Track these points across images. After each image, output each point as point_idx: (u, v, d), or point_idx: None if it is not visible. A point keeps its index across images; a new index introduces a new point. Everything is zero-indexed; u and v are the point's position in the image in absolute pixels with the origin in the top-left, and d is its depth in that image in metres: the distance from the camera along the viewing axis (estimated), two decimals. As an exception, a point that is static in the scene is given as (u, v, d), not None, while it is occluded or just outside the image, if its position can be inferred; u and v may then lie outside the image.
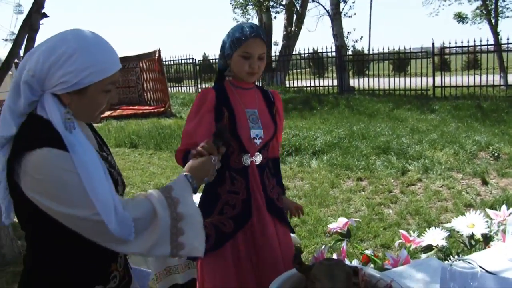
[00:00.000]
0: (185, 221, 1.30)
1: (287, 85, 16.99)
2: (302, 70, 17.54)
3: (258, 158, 2.08)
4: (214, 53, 21.16)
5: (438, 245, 2.12)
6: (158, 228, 1.24)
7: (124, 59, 16.36)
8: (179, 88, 20.20)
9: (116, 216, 1.20)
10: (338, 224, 2.52)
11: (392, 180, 5.75)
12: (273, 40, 19.48)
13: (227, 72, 2.10)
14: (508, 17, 20.56)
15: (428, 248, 2.14)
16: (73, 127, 1.23)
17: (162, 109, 13.43)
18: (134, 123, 11.53)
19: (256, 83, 2.21)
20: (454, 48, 12.86)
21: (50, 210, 1.20)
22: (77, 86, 1.23)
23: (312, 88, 15.87)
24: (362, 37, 18.97)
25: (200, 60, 20.64)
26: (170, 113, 13.31)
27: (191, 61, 19.63)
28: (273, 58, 17.92)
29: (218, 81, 2.16)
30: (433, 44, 13.31)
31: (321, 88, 15.60)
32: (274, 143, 2.25)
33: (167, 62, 20.25)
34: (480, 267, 1.57)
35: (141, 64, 15.70)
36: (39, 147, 1.18)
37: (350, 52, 17.83)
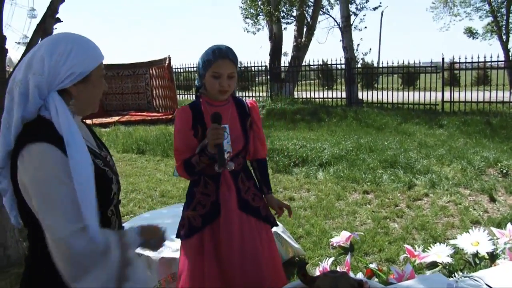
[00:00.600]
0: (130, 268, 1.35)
1: (296, 96, 17.02)
2: (311, 81, 17.59)
3: (231, 166, 2.32)
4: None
5: (443, 262, 2.11)
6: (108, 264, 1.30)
7: (134, 66, 16.53)
8: (188, 95, 20.29)
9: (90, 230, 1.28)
10: (341, 238, 2.51)
11: (399, 194, 5.72)
12: (283, 50, 19.57)
13: (201, 90, 2.35)
14: (519, 34, 20.52)
15: (433, 264, 2.13)
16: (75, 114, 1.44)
17: (170, 116, 13.49)
18: (142, 129, 11.58)
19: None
20: (464, 64, 12.84)
21: (33, 204, 1.28)
22: (82, 75, 1.40)
23: (320, 99, 15.87)
24: (370, 49, 18.94)
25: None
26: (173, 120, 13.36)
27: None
28: (283, 68, 17.98)
29: (196, 97, 2.41)
30: (442, 59, 13.31)
31: (329, 100, 15.61)
32: (258, 147, 2.50)
33: (176, 70, 20.39)
34: (487, 285, 1.56)
35: (151, 71, 15.83)
36: (40, 141, 1.28)
37: (359, 65, 17.86)
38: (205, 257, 2.33)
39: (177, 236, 2.45)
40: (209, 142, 2.15)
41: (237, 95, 2.63)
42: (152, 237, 1.56)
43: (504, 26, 16.13)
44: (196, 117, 2.29)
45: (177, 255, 3.37)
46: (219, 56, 2.22)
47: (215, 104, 2.32)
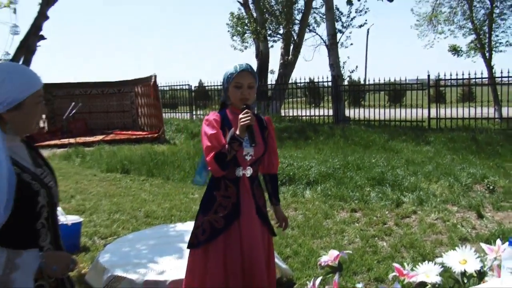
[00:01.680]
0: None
1: (283, 114, 17.11)
2: (298, 99, 17.71)
3: (249, 172, 2.59)
4: (210, 80, 21.34)
5: (432, 281, 2.09)
6: None
7: (119, 84, 16.50)
8: (174, 114, 20.27)
9: None
10: (329, 257, 2.48)
11: (387, 212, 5.73)
12: (270, 68, 19.73)
13: (227, 101, 2.65)
14: (501, 51, 21.01)
15: (422, 285, 2.11)
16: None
17: (155, 135, 13.45)
18: (126, 148, 11.52)
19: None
20: (449, 81, 13.06)
21: None
22: (14, 103, 1.58)
23: (307, 117, 15.96)
24: (357, 66, 19.20)
25: (195, 86, 20.80)
26: (163, 139, 13.32)
27: (186, 87, 19.77)
28: (269, 86, 18.09)
29: (221, 109, 2.70)
30: (428, 76, 13.54)
31: (316, 117, 15.69)
32: (273, 160, 2.78)
33: (162, 88, 20.37)
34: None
35: (136, 89, 15.81)
36: None
37: (346, 82, 18.05)
38: (232, 260, 2.52)
39: (190, 247, 2.63)
40: (241, 125, 2.41)
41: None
42: (57, 264, 1.60)
43: (486, 43, 16.48)
44: (223, 121, 2.56)
45: (161, 277, 3.32)
46: (240, 68, 2.55)
47: (238, 113, 2.51)
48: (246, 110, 2.46)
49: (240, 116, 2.43)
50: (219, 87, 16.63)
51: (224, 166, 2.48)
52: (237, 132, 2.43)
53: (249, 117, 2.41)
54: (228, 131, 2.51)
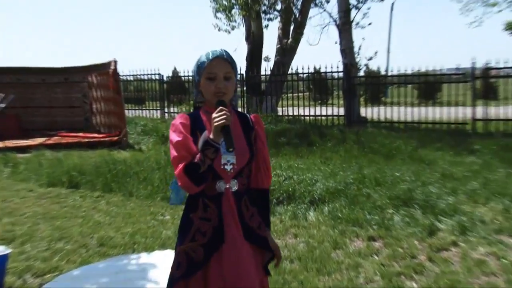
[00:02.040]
0: None
1: (280, 113, 17.24)
2: (299, 94, 17.74)
3: (234, 185, 2.61)
4: (187, 68, 21.24)
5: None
6: None
7: (67, 71, 16.42)
8: (140, 111, 20.28)
9: None
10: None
11: (416, 242, 5.69)
12: (264, 54, 19.85)
13: (198, 98, 2.70)
14: None
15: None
16: None
17: (115, 138, 13.43)
18: (76, 155, 11.48)
19: (240, 110, 2.60)
20: (502, 70, 12.88)
21: None
22: None
23: (312, 117, 16.07)
24: (376, 52, 19.27)
25: (168, 76, 20.83)
26: (126, 144, 13.31)
27: (157, 77, 19.79)
28: (263, 77, 18.13)
29: (195, 108, 2.75)
30: (473, 64, 13.31)
31: (323, 118, 15.82)
32: (263, 171, 2.79)
33: (125, 78, 20.40)
34: None
35: (90, 79, 15.76)
36: None
37: (362, 73, 18.13)
38: None
39: (169, 285, 2.64)
40: (214, 126, 2.42)
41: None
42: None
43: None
44: (195, 123, 2.61)
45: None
46: (213, 55, 2.59)
47: (213, 112, 2.56)
48: (221, 108, 2.47)
49: (213, 115, 2.45)
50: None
51: (198, 180, 2.51)
52: (211, 136, 2.46)
53: (224, 116, 2.43)
54: (200, 135, 2.54)
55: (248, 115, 2.82)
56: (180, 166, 2.49)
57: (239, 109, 4.09)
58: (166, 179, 8.35)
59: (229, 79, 2.61)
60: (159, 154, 11.17)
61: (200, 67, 2.62)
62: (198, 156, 2.47)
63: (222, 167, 2.59)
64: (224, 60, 2.61)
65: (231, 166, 2.61)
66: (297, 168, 8.83)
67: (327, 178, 7.86)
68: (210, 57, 2.60)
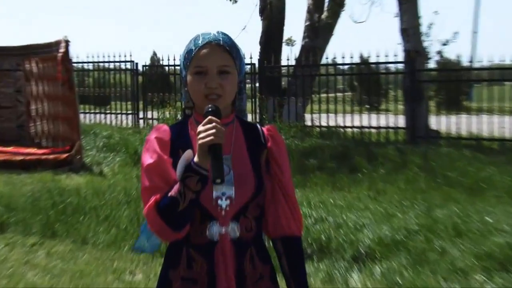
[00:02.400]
0: None
1: (309, 123, 17.28)
2: (338, 95, 17.63)
3: (233, 230, 2.58)
4: (173, 53, 21.12)
5: None
6: None
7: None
8: (103, 117, 20.28)
9: None
10: None
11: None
12: (286, 36, 19.86)
13: (185, 103, 2.77)
14: None
15: None
16: None
17: (64, 156, 13.43)
18: (3, 180, 11.52)
19: (250, 116, 2.58)
20: None
21: None
22: None
23: (356, 130, 16.10)
24: (456, 34, 19.07)
25: (145, 65, 20.78)
26: (79, 165, 13.38)
27: (128, 66, 19.81)
28: (284, 69, 18.07)
29: (184, 116, 2.83)
30: None
31: (373, 131, 15.86)
32: (287, 210, 2.74)
33: (81, 66, 20.43)
34: None
35: (28, 66, 15.68)
36: None
37: (433, 64, 18.03)
38: None
39: None
40: (199, 145, 2.42)
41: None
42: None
43: None
44: (178, 140, 2.65)
45: None
46: (203, 41, 2.62)
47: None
48: (210, 117, 2.46)
49: (199, 128, 2.45)
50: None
51: (176, 222, 2.50)
52: (195, 158, 2.45)
53: (213, 131, 2.42)
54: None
55: (258, 127, 2.83)
56: (151, 201, 2.48)
57: (248, 118, 4.03)
58: (139, 219, 8.32)
59: (226, 74, 2.60)
60: (130, 180, 11.27)
61: (187, 57, 2.64)
62: (176, 187, 2.45)
63: (214, 202, 2.57)
64: (219, 47, 2.61)
65: (228, 202, 2.58)
66: (334, 205, 8.84)
67: (379, 223, 7.88)
68: (200, 42, 2.61)
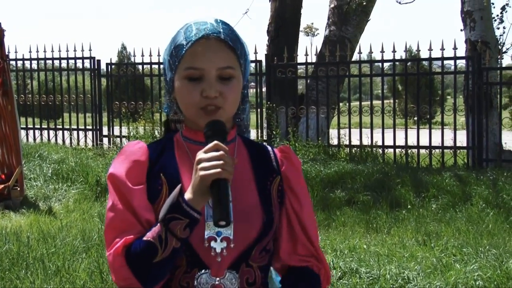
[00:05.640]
0: None
1: (335, 141, 17.43)
2: (375, 102, 17.68)
3: (232, 281, 2.63)
4: (149, 47, 21.20)
5: None
6: None
7: None
8: (52, 133, 20.30)
9: None
10: None
11: None
12: (303, 24, 19.96)
13: (171, 112, 2.82)
14: None
15: None
16: None
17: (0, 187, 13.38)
18: None
19: (254, 132, 2.62)
20: None
21: None
22: None
23: (400, 150, 16.24)
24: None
25: (111, 64, 20.86)
26: (19, 199, 13.31)
27: (87, 64, 19.85)
28: (300, 69, 18.11)
29: (166, 131, 2.92)
30: None
31: (423, 151, 15.98)
32: (300, 250, 2.78)
33: (22, 64, 20.46)
34: None
35: None
36: None
37: (507, 61, 18.12)
38: None
39: None
40: (200, 179, 2.44)
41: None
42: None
43: None
44: (158, 161, 2.71)
45: None
46: (198, 34, 2.63)
47: (200, 141, 2.65)
48: (216, 142, 2.49)
49: (201, 155, 2.48)
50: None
51: (149, 277, 2.52)
52: (188, 195, 2.47)
53: (221, 162, 2.44)
54: (166, 182, 2.67)
55: (269, 148, 2.89)
56: (118, 244, 2.52)
57: (252, 135, 4.09)
58: (103, 273, 8.33)
59: (229, 79, 2.62)
60: (89, 220, 11.27)
61: (174, 55, 2.65)
62: (155, 229, 2.47)
63: (206, 243, 2.60)
64: (219, 42, 2.62)
65: (225, 244, 2.60)
66: (368, 252, 8.85)
67: (430, 276, 7.84)
68: (193, 36, 2.62)
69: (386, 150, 16.49)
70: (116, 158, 2.67)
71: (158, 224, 2.45)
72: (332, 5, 18.86)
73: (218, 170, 2.36)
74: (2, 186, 13.35)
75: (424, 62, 17.32)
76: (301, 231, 2.74)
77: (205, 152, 2.41)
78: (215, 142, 2.43)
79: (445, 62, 16.35)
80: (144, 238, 2.45)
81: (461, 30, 16.40)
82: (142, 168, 2.61)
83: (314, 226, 2.81)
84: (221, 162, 2.38)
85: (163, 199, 2.59)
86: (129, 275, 2.46)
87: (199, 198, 2.40)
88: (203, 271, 2.56)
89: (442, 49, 16.04)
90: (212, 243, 2.55)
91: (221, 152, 2.40)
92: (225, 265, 2.57)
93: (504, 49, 17.80)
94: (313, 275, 2.77)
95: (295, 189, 2.74)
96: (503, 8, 17.53)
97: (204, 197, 2.41)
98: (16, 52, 20.16)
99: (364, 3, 18.57)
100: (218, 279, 2.57)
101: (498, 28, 17.31)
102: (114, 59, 21.99)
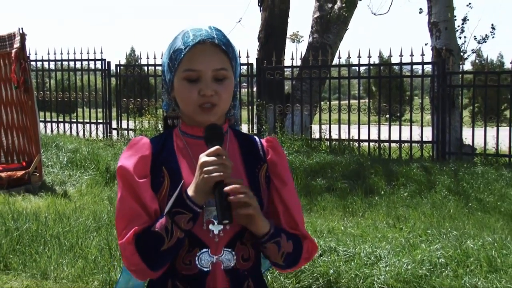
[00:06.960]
0: None
1: (317, 135, 17.44)
2: (352, 102, 17.68)
3: (229, 258, 2.68)
4: (154, 50, 21.12)
5: None
6: None
7: None
8: (68, 126, 20.25)
9: None
10: None
11: None
12: (290, 31, 19.96)
13: (170, 110, 2.87)
14: None
15: None
16: None
17: (20, 174, 13.34)
18: None
19: (246, 126, 2.65)
20: None
21: None
22: None
23: (374, 144, 16.29)
24: (494, 30, 19.15)
25: (120, 65, 20.78)
26: (38, 184, 13.29)
27: (98, 65, 19.78)
28: (288, 71, 18.12)
29: (165, 127, 2.95)
30: None
31: (394, 145, 16.01)
32: (287, 217, 2.81)
33: (41, 65, 20.35)
34: None
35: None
36: None
37: (468, 66, 18.14)
38: None
39: None
40: (204, 180, 2.51)
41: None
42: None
43: None
44: (160, 155, 2.75)
45: None
46: (194, 40, 2.67)
47: (197, 135, 2.74)
48: (218, 147, 2.58)
49: (204, 158, 2.55)
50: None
51: (156, 262, 2.59)
52: (191, 192, 2.54)
53: (222, 167, 2.53)
54: (167, 175, 2.72)
55: (256, 139, 2.94)
56: (129, 233, 2.57)
57: (243, 128, 4.11)
58: (111, 249, 8.33)
59: (223, 80, 2.69)
60: (100, 203, 11.23)
61: (174, 58, 2.69)
62: (162, 221, 2.54)
63: (205, 226, 2.67)
64: (214, 46, 2.68)
65: (221, 226, 2.66)
66: (345, 234, 8.83)
67: (399, 255, 7.87)
68: (190, 41, 2.66)
69: (361, 144, 16.51)
70: (124, 152, 2.71)
71: (164, 216, 2.51)
72: (316, 16, 18.85)
73: (221, 173, 2.44)
74: (23, 172, 13.31)
75: (395, 66, 17.39)
76: (285, 212, 2.78)
77: (208, 155, 2.49)
78: (217, 147, 2.51)
79: (414, 66, 16.47)
80: (152, 229, 2.51)
81: (429, 42, 16.44)
82: (147, 162, 2.66)
83: (298, 207, 2.84)
84: (222, 166, 2.46)
85: (165, 190, 2.66)
86: (139, 261, 2.53)
87: (202, 196, 2.47)
88: (203, 250, 2.62)
89: (411, 55, 16.06)
90: (210, 226, 2.63)
91: (223, 158, 2.48)
92: (222, 244, 2.64)
93: (465, 56, 17.88)
94: (297, 238, 2.81)
95: (280, 174, 2.81)
96: (464, 19, 17.61)
97: (206, 195, 2.49)
98: (36, 54, 20.22)
99: (345, 14, 18.62)
100: (216, 256, 2.63)
101: (460, 38, 17.43)
102: (123, 61, 21.88)
